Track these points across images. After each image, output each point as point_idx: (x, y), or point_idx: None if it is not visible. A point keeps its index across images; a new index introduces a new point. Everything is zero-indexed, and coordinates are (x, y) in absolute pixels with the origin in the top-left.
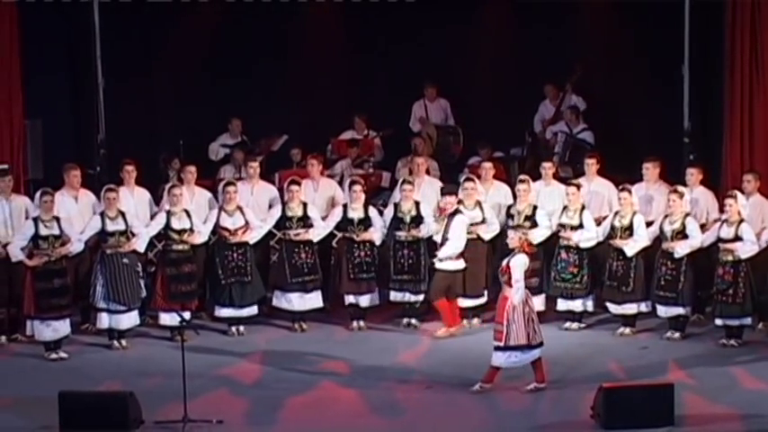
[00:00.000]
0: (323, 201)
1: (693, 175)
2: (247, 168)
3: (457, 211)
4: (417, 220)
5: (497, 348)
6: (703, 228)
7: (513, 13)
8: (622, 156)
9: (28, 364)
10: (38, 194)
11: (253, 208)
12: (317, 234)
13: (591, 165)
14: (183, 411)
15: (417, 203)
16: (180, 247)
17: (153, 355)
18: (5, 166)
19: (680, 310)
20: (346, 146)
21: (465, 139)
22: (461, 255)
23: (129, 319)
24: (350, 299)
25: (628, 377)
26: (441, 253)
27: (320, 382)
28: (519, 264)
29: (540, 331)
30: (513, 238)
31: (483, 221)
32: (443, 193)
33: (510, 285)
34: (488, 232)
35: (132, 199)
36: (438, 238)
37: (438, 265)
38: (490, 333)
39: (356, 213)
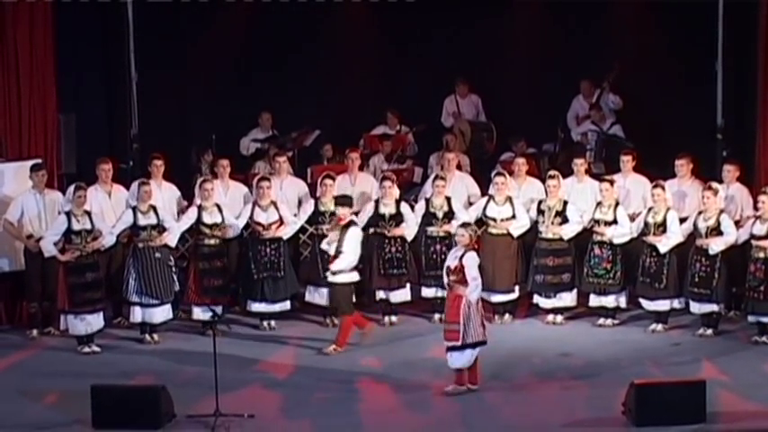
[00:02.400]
0: (359, 195)
1: (730, 171)
2: (274, 163)
3: (351, 223)
4: (449, 215)
5: (454, 348)
6: (737, 224)
7: (545, 10)
8: (655, 152)
9: (60, 358)
10: (71, 189)
11: (281, 203)
12: None
13: (627, 161)
14: (215, 405)
15: (449, 199)
16: (211, 241)
17: (185, 350)
18: (39, 161)
19: (714, 307)
20: (378, 141)
21: (497, 136)
22: (356, 267)
23: (162, 313)
24: (380, 294)
25: (660, 374)
26: (334, 266)
27: (351, 377)
28: (473, 262)
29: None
30: (463, 236)
31: (513, 217)
32: (338, 203)
33: (461, 284)
34: (518, 228)
35: (160, 193)
36: (332, 250)
37: (331, 278)
38: (522, 328)
39: (387, 209)
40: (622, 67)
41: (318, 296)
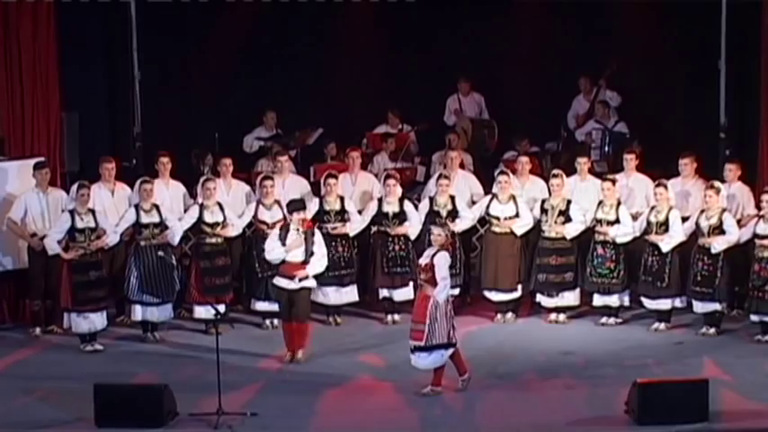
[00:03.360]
0: (360, 194)
1: (732, 170)
2: (276, 162)
3: (312, 227)
4: (453, 214)
5: (419, 349)
6: (739, 223)
7: (547, 8)
8: (658, 151)
9: (63, 356)
10: (74, 187)
11: (284, 201)
12: (353, 228)
13: (629, 160)
14: (218, 404)
15: (453, 197)
16: (213, 240)
17: (187, 348)
18: (42, 159)
19: (716, 306)
20: (380, 139)
21: (500, 134)
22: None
23: (163, 312)
24: (384, 293)
25: (662, 373)
26: (311, 270)
27: (355, 376)
28: (444, 261)
29: (456, 331)
30: (439, 236)
31: (516, 216)
32: (291, 209)
33: (429, 283)
34: (521, 227)
35: (167, 191)
36: (291, 256)
37: (295, 284)
38: (525, 327)
39: (391, 207)
40: (620, 65)
41: (321, 295)
